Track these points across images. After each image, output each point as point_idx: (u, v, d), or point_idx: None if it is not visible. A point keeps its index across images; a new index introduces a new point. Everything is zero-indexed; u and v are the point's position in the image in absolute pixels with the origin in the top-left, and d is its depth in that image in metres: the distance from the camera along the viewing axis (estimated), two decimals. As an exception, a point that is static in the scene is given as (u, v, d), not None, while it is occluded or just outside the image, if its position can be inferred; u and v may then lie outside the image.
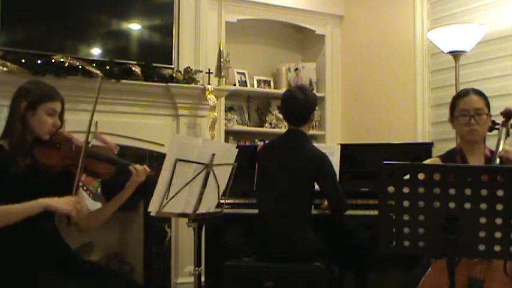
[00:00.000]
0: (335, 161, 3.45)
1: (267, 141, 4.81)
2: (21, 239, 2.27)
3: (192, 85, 4.17)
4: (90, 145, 2.49)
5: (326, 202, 3.19)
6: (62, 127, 2.44)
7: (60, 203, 2.25)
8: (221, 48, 4.48)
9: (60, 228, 2.47)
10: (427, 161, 2.74)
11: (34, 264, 2.24)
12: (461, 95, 2.60)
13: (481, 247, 1.76)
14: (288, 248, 2.93)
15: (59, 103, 2.40)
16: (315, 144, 3.28)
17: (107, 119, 3.90)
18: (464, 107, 2.53)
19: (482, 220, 1.74)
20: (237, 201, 3.41)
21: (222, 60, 4.41)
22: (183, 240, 4.14)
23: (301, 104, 3.06)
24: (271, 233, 2.98)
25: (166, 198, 2.41)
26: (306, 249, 2.94)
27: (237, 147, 2.72)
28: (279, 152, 3.08)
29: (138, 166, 2.45)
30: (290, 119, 3.12)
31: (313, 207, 3.18)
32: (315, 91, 5.24)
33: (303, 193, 3.01)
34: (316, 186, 3.06)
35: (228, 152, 2.67)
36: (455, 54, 3.85)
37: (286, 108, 3.14)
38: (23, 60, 3.62)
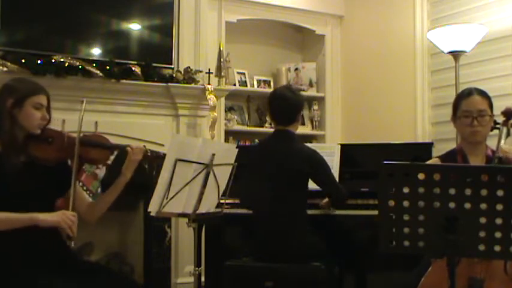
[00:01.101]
0: (335, 161, 3.46)
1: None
2: (21, 238, 2.27)
3: (192, 85, 4.17)
4: (81, 135, 2.49)
5: (324, 200, 3.19)
6: (50, 122, 2.44)
7: (50, 216, 2.23)
8: (221, 48, 4.48)
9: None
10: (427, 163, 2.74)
11: (34, 264, 2.24)
12: (464, 95, 2.57)
13: (481, 247, 1.76)
14: (287, 249, 2.93)
15: (44, 97, 2.39)
16: (315, 145, 3.29)
17: (107, 119, 3.90)
18: (467, 108, 2.51)
19: (482, 220, 1.74)
20: (237, 201, 3.40)
21: (222, 60, 4.42)
22: (183, 240, 4.14)
23: (289, 103, 3.06)
24: (270, 234, 2.97)
25: (166, 198, 2.41)
26: (305, 249, 2.94)
27: (237, 147, 2.72)
28: (271, 153, 3.07)
29: (134, 145, 2.46)
30: (278, 118, 3.10)
31: (313, 207, 3.19)
32: (315, 91, 5.26)
33: (299, 193, 3.01)
34: (316, 186, 3.07)
35: (228, 152, 2.67)
36: (455, 54, 3.85)
37: (274, 107, 3.11)
38: (23, 60, 3.63)
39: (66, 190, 2.40)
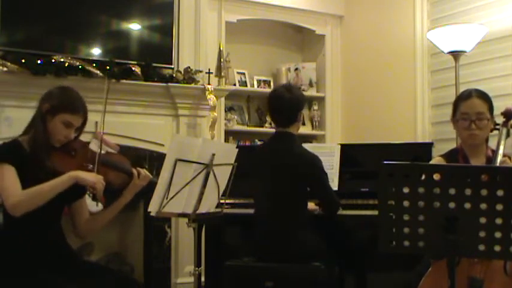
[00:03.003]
0: (335, 161, 3.46)
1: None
2: (23, 238, 2.27)
3: (192, 85, 4.17)
4: (105, 152, 2.50)
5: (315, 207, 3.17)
6: (78, 136, 2.45)
7: (89, 175, 2.31)
8: (221, 48, 4.48)
9: (63, 229, 2.48)
10: (431, 162, 2.74)
11: (34, 264, 2.25)
12: (463, 97, 2.55)
13: (481, 247, 1.76)
14: (287, 249, 2.93)
15: (80, 119, 2.40)
16: (315, 145, 3.28)
17: (107, 119, 3.84)
18: (466, 111, 2.49)
19: (482, 220, 1.73)
20: (237, 201, 3.40)
21: (222, 60, 4.41)
22: (183, 240, 4.13)
23: (288, 104, 3.00)
24: (270, 234, 2.97)
25: (166, 198, 2.41)
26: (305, 249, 2.94)
27: (237, 147, 2.72)
28: (271, 155, 3.05)
29: (141, 170, 2.47)
30: (278, 119, 3.06)
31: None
32: (315, 91, 5.26)
33: (299, 194, 3.01)
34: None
35: (228, 152, 2.67)
36: (455, 54, 3.85)
37: (273, 108, 3.07)
38: (23, 60, 3.62)
39: (75, 200, 2.42)
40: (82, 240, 3.36)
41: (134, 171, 2.45)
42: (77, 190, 2.38)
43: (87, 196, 3.59)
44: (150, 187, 2.47)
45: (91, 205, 3.56)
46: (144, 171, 2.49)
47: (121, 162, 2.50)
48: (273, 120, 3.12)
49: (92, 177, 2.31)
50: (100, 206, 3.59)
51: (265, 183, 3.05)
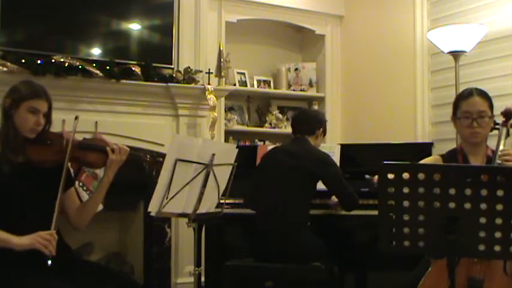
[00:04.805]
0: (335, 161, 3.45)
1: (267, 143, 4.87)
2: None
3: (192, 85, 4.17)
4: (82, 138, 2.50)
5: (335, 201, 3.20)
6: (49, 128, 2.43)
7: (22, 239, 2.20)
8: (221, 48, 4.47)
9: (61, 229, 2.47)
10: (428, 159, 2.74)
11: (33, 264, 2.24)
12: (464, 95, 2.56)
13: (481, 247, 1.76)
14: (286, 249, 2.93)
15: (44, 102, 2.36)
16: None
17: (107, 119, 3.91)
18: (467, 109, 2.50)
19: (482, 220, 1.74)
20: (237, 201, 3.40)
21: (222, 60, 4.41)
22: (183, 240, 4.14)
23: (313, 119, 3.28)
24: (270, 234, 2.98)
25: (166, 198, 2.41)
26: (305, 249, 2.94)
27: (237, 147, 2.72)
28: (282, 155, 3.12)
29: (115, 146, 2.42)
30: (299, 127, 3.24)
31: (315, 207, 3.19)
32: (315, 91, 5.26)
33: (304, 194, 3.02)
34: (321, 187, 3.08)
35: (228, 152, 2.67)
36: (455, 54, 3.85)
37: (294, 119, 3.34)
38: (23, 60, 3.63)
39: (64, 191, 2.39)
40: (82, 234, 3.32)
41: (108, 147, 2.43)
42: (56, 181, 2.34)
43: (85, 194, 3.62)
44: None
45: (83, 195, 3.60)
46: (119, 145, 2.43)
47: (95, 142, 2.49)
48: (295, 129, 3.28)
49: (26, 241, 2.20)
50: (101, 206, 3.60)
51: (272, 182, 3.06)
